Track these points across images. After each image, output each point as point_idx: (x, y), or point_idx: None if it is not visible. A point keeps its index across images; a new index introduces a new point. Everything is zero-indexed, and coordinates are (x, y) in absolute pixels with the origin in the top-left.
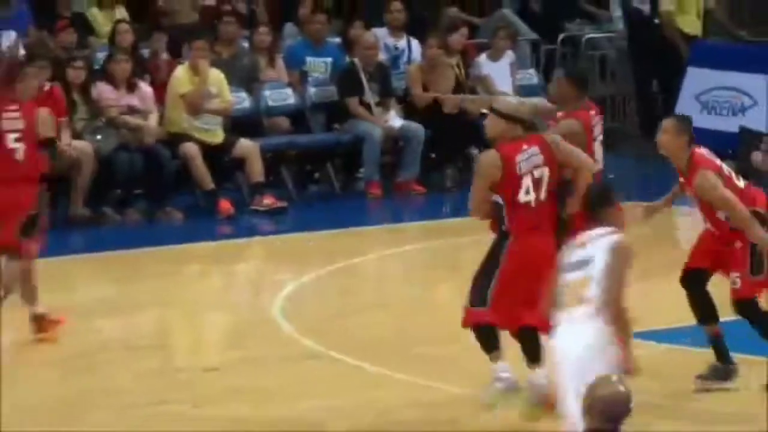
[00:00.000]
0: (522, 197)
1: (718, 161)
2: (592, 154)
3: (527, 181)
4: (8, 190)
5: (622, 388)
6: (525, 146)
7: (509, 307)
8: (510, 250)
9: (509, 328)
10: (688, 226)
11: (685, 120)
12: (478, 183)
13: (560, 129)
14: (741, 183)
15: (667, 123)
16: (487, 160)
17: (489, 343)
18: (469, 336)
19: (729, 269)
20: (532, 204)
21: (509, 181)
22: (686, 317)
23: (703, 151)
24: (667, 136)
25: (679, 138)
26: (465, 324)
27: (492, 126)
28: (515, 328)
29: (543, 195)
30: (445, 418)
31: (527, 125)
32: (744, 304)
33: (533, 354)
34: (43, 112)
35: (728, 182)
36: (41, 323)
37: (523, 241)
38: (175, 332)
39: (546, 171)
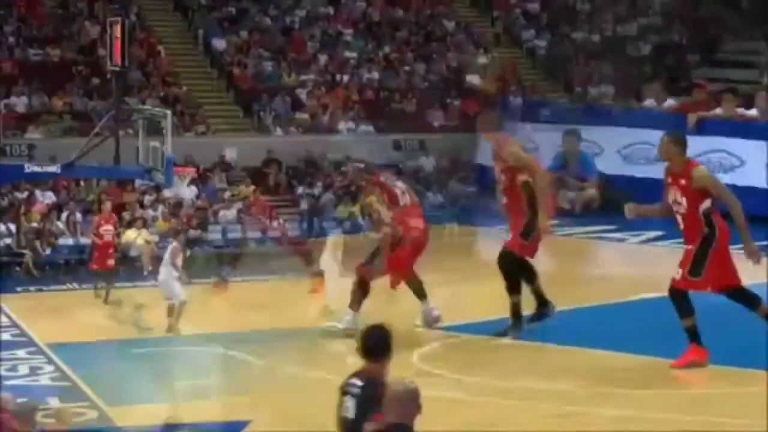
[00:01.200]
0: (401, 201)
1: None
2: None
3: (398, 192)
4: None
5: (412, 386)
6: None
7: (404, 265)
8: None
9: (403, 278)
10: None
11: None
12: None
13: (707, 180)
14: (406, 200)
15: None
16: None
17: (361, 293)
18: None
19: None
20: (408, 205)
21: (390, 195)
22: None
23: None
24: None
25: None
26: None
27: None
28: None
29: (409, 199)
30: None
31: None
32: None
33: (420, 292)
34: None
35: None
36: (315, 280)
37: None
38: None
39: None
